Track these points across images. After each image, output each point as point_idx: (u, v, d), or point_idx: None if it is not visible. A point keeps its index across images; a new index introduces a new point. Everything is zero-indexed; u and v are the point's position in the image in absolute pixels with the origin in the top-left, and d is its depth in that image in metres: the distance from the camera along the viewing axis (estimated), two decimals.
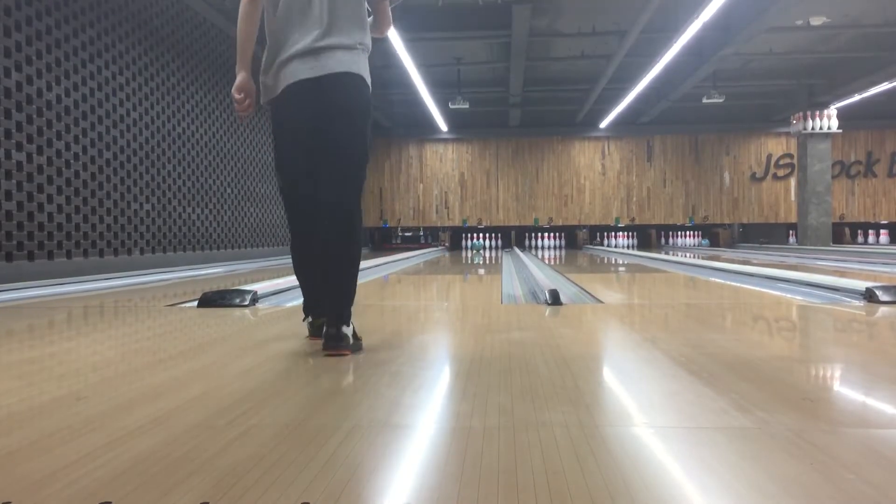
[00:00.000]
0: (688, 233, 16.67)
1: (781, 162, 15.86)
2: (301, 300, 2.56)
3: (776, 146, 15.88)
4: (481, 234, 16.52)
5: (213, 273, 6.98)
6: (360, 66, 2.32)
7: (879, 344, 2.61)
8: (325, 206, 2.27)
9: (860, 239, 16.27)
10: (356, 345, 2.27)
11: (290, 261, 2.63)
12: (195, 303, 3.80)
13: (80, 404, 1.62)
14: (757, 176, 15.90)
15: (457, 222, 16.15)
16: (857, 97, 12.62)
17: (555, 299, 3.65)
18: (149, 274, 6.37)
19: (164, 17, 7.48)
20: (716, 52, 9.99)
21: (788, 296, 4.29)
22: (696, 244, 16.48)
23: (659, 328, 2.95)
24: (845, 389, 1.89)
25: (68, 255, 5.84)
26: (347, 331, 2.20)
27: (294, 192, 2.39)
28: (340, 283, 2.25)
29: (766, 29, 9.02)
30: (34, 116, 5.46)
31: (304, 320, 2.51)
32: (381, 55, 10.48)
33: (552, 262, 9.42)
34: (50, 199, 5.63)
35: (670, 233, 16.71)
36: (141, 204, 6.98)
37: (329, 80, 2.24)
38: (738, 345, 2.43)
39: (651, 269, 7.49)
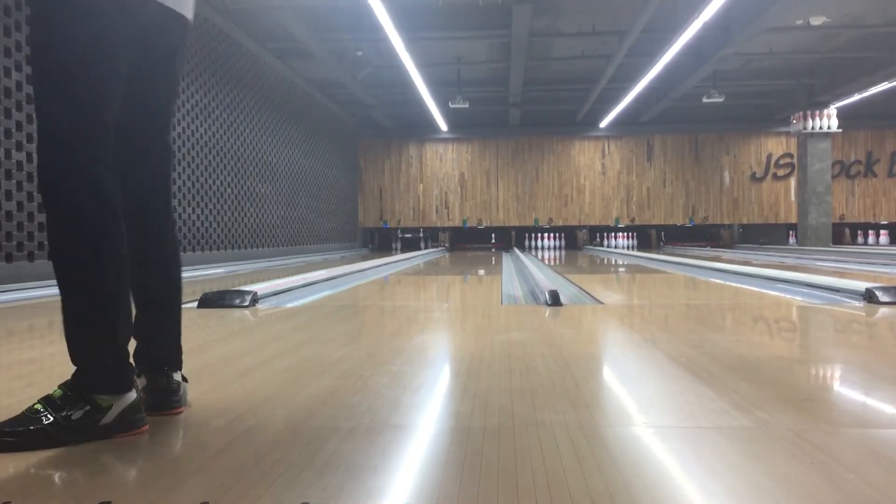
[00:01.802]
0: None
1: (781, 162, 15.85)
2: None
3: (776, 146, 15.87)
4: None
5: (212, 273, 6.98)
6: None
7: (879, 344, 2.61)
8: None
9: (860, 239, 16.26)
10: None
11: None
12: (195, 303, 3.79)
13: None
14: (757, 176, 15.90)
15: (457, 222, 16.15)
16: (857, 97, 12.61)
17: (555, 300, 3.65)
18: None
19: None
20: (716, 52, 9.99)
21: (788, 296, 4.29)
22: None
23: (659, 328, 2.95)
24: (845, 389, 1.89)
25: None
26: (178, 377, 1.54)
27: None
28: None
29: (766, 29, 9.02)
30: (34, 115, 5.46)
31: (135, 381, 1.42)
32: (382, 55, 10.48)
33: (552, 263, 9.42)
34: None
35: (670, 234, 16.70)
36: None
37: None
38: (738, 345, 2.43)
39: (651, 269, 7.49)
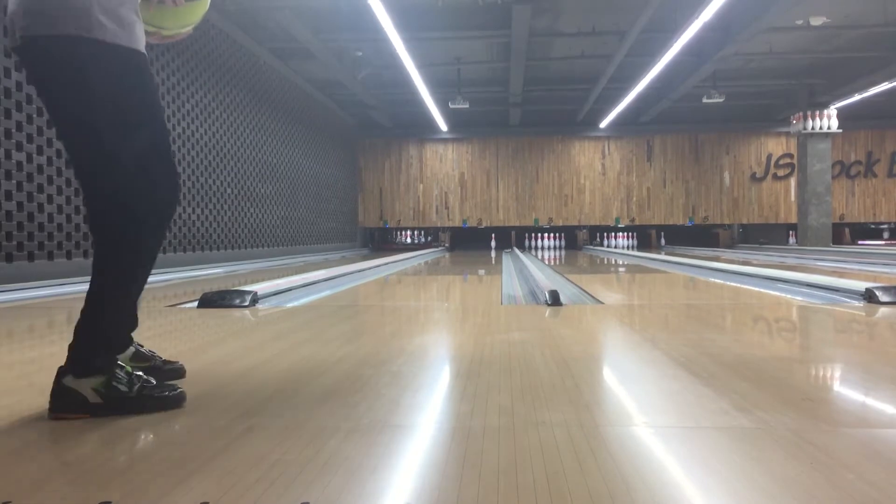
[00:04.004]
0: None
1: (781, 162, 15.86)
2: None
3: (776, 146, 15.88)
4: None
5: (212, 273, 6.98)
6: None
7: (879, 344, 2.61)
8: None
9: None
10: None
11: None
12: (195, 303, 3.80)
13: None
14: (757, 176, 15.90)
15: (457, 222, 16.15)
16: (857, 97, 12.61)
17: (555, 300, 3.65)
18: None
19: None
20: (716, 52, 9.99)
21: (788, 296, 4.29)
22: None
23: (659, 328, 2.95)
24: (845, 389, 1.89)
25: (68, 255, 5.83)
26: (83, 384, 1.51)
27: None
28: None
29: (766, 29, 9.02)
30: (34, 116, 5.46)
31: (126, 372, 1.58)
32: (382, 55, 10.48)
33: (552, 263, 9.42)
34: (50, 199, 5.63)
35: (670, 233, 16.70)
36: None
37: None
38: (738, 345, 2.43)
39: (651, 269, 7.48)
